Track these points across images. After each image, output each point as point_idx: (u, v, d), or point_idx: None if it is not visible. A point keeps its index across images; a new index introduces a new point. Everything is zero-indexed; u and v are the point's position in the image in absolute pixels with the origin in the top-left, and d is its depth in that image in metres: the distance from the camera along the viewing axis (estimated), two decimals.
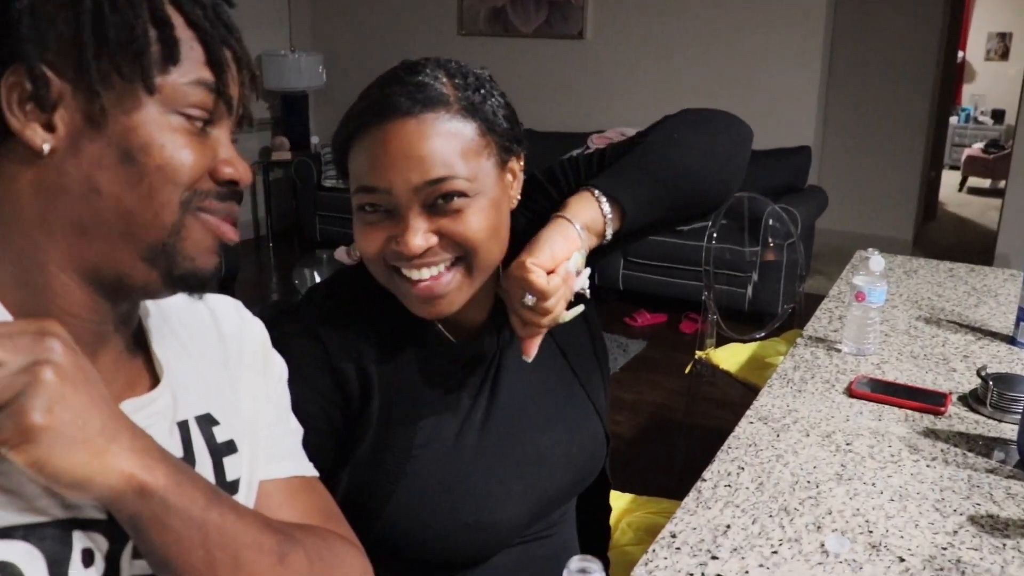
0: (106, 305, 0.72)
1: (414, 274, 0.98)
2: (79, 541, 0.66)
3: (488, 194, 0.99)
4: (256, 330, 0.91)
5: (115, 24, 0.67)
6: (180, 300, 0.85)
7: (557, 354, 1.19)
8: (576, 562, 0.75)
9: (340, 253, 4.58)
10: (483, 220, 0.98)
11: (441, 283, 0.99)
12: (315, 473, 0.91)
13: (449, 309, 1.01)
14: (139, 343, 0.79)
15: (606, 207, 1.06)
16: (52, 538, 0.65)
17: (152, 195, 0.69)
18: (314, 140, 6.22)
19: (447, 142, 0.96)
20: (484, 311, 1.12)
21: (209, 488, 0.70)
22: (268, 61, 6.01)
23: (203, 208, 0.72)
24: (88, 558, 0.67)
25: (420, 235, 0.96)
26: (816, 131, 5.31)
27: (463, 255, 0.99)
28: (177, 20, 0.70)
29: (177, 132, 0.70)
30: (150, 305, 0.81)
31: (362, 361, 1.04)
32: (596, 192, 1.06)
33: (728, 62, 5.31)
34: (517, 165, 1.07)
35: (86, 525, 0.67)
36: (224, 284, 5.00)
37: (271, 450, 0.87)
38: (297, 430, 0.92)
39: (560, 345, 1.19)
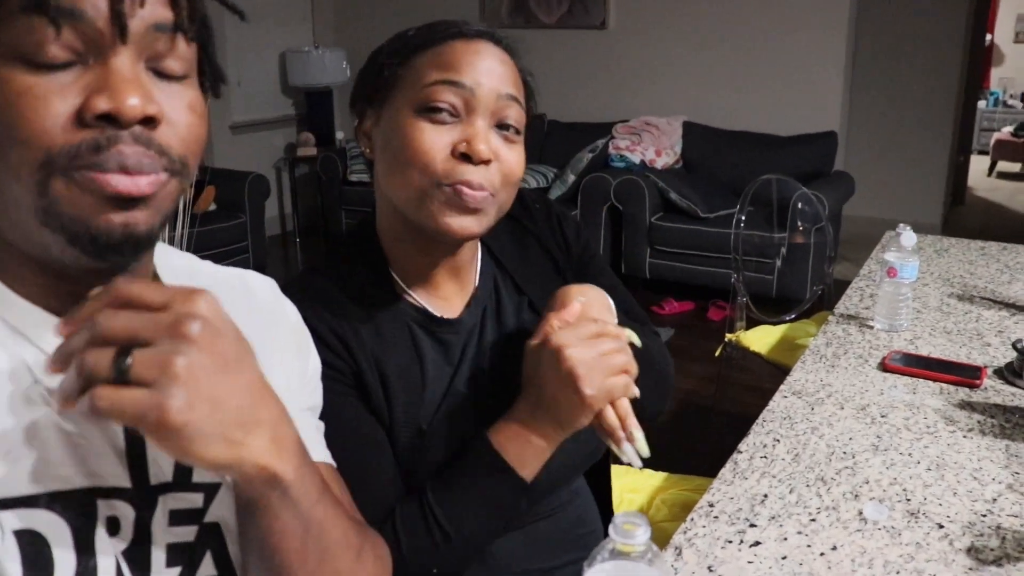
0: (83, 258, 0.64)
1: (475, 175, 0.98)
2: (103, 510, 0.66)
3: (522, 147, 1.06)
4: (290, 311, 0.90)
5: None
6: (216, 270, 0.87)
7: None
8: (621, 517, 0.75)
9: None
10: (523, 162, 1.05)
11: (483, 202, 0.99)
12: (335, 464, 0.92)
13: (479, 229, 1.01)
14: None
15: None
16: (76, 507, 0.64)
17: (4, 159, 0.61)
18: (339, 135, 6.25)
19: (517, 79, 1.04)
20: (468, 288, 1.13)
21: (320, 482, 0.70)
22: (292, 58, 6.05)
23: (74, 167, 0.60)
24: (114, 526, 0.67)
25: (488, 142, 0.99)
26: (842, 116, 5.27)
27: (503, 185, 1.02)
28: None
29: (12, 79, 0.60)
30: (177, 276, 0.79)
31: (347, 337, 1.03)
32: None
33: (752, 49, 5.29)
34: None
35: (110, 494, 0.66)
36: None
37: (303, 433, 0.88)
38: (321, 425, 0.92)
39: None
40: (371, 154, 1.08)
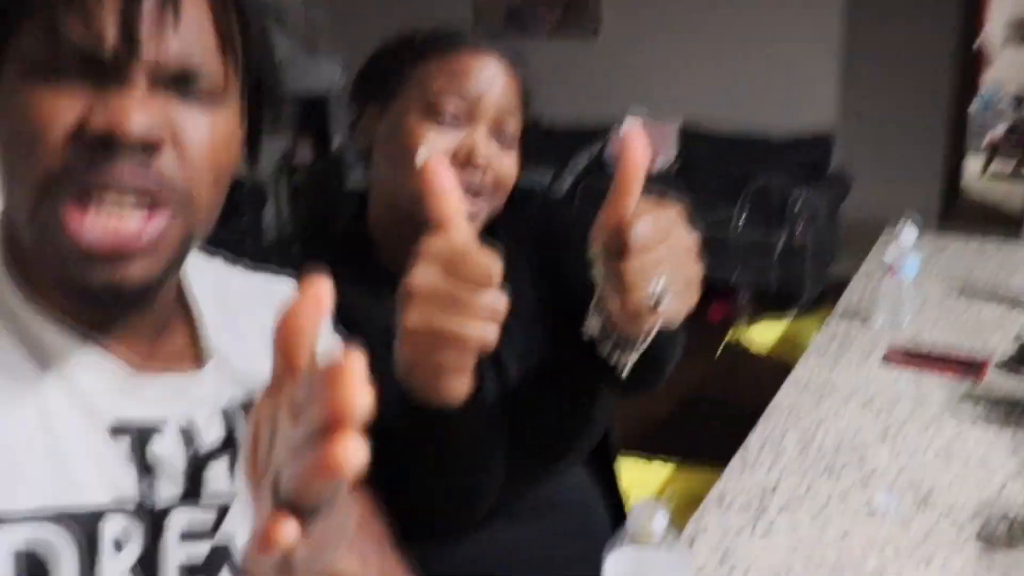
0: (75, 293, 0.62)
1: (471, 177, 1.02)
2: (110, 526, 0.63)
3: (516, 155, 1.09)
4: None
5: None
6: (246, 280, 0.84)
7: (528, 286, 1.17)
8: (640, 506, 0.77)
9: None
10: (515, 169, 1.08)
11: (472, 200, 1.02)
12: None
13: (471, 221, 1.02)
14: (185, 318, 0.75)
15: None
16: (83, 522, 0.62)
17: (15, 172, 0.59)
18: (335, 143, 6.26)
19: (516, 91, 1.07)
20: None
21: None
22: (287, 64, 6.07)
23: (63, 190, 0.57)
24: (120, 544, 0.64)
25: (487, 151, 1.03)
26: (837, 116, 5.30)
27: (495, 190, 1.05)
28: None
29: (25, 91, 0.58)
30: (200, 279, 0.77)
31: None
32: None
33: (745, 52, 5.31)
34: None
35: (118, 510, 0.64)
36: None
37: None
38: None
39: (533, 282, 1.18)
40: (367, 146, 1.11)
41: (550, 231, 1.22)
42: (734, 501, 1.14)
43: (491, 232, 1.20)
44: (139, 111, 0.57)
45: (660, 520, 0.76)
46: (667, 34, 5.51)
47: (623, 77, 5.66)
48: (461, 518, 0.99)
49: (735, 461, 1.24)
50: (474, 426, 0.90)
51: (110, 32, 0.57)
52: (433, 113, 1.03)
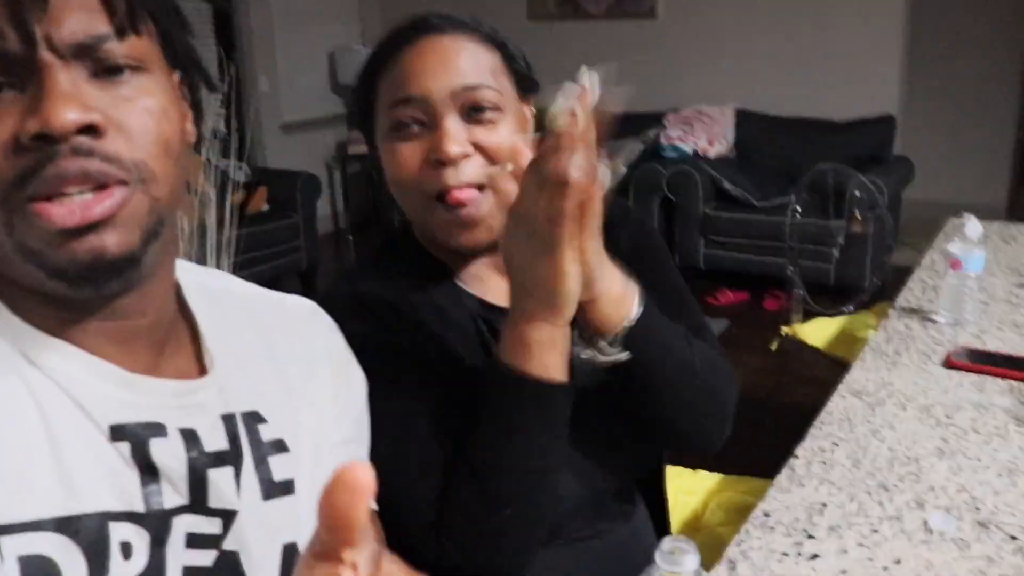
0: (71, 290, 0.64)
1: (452, 178, 0.96)
2: (116, 533, 0.63)
3: (515, 117, 1.02)
4: (329, 335, 0.88)
5: None
6: (248, 290, 0.85)
7: None
8: (668, 543, 0.72)
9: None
10: (512, 135, 0.99)
11: (478, 206, 0.98)
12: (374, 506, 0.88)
13: (489, 235, 0.99)
14: (190, 333, 0.76)
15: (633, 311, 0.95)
16: (88, 530, 0.62)
17: None
18: None
19: (478, 59, 0.99)
20: None
21: None
22: (341, 56, 6.08)
23: (20, 197, 0.59)
24: (127, 550, 0.64)
25: (457, 139, 0.96)
26: (900, 99, 5.13)
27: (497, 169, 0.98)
28: None
29: None
30: (205, 295, 0.78)
31: (407, 312, 1.02)
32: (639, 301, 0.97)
33: (804, 33, 5.17)
34: (529, 111, 1.07)
35: (123, 517, 0.64)
36: (305, 278, 5.08)
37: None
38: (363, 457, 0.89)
39: None
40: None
41: (640, 254, 1.14)
42: (780, 521, 1.08)
43: None
44: (63, 104, 0.59)
45: (690, 560, 0.71)
46: (726, 15, 5.39)
47: (681, 59, 5.56)
48: (530, 514, 0.95)
49: (782, 476, 1.18)
50: (564, 408, 0.93)
51: (6, 27, 0.59)
52: (396, 129, 0.99)
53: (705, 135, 5.08)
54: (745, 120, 5.25)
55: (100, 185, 0.61)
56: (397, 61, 0.99)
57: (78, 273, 0.62)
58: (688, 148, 5.03)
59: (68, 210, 0.60)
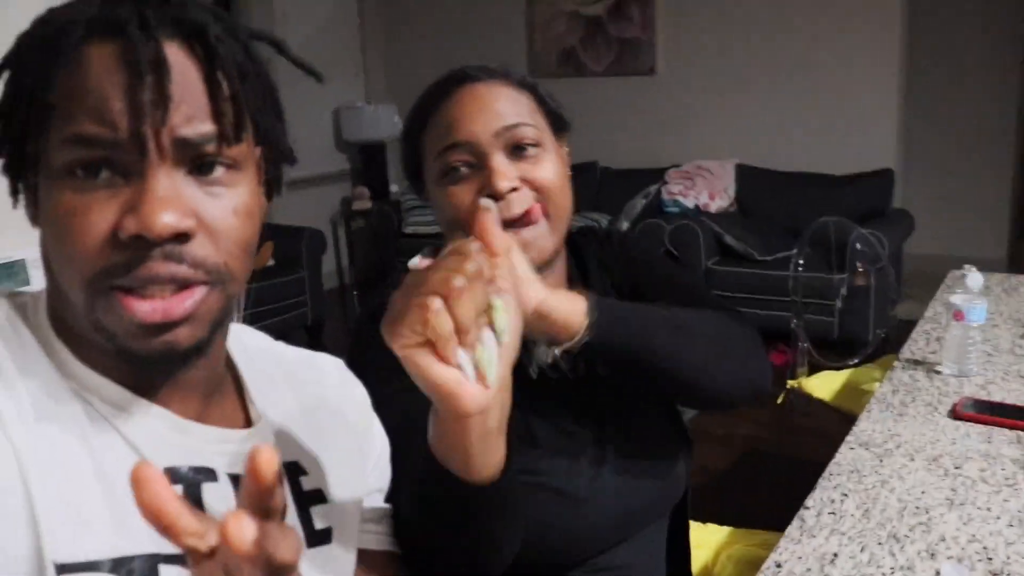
0: (132, 365, 0.68)
1: (505, 211, 1.02)
2: (168, 574, 0.65)
3: (554, 153, 1.10)
4: (357, 393, 0.91)
5: None
6: (287, 352, 0.89)
7: None
8: None
9: (415, 262, 4.60)
10: (557, 169, 1.09)
11: (530, 229, 1.05)
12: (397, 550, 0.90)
13: (541, 257, 1.05)
14: (236, 385, 0.80)
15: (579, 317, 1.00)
16: (139, 572, 0.63)
17: (61, 271, 0.65)
18: (393, 188, 6.31)
19: (514, 101, 1.08)
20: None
21: None
22: (345, 114, 6.17)
23: (108, 287, 0.63)
24: None
25: (508, 175, 1.03)
26: (898, 153, 5.19)
27: (542, 200, 1.06)
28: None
29: (60, 198, 0.63)
30: (244, 350, 0.81)
31: None
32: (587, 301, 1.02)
33: (802, 89, 5.25)
34: (565, 149, 1.15)
35: (173, 560, 0.65)
36: (311, 332, 5.09)
37: (367, 520, 0.87)
38: (387, 511, 0.91)
39: None
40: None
41: (632, 264, 1.25)
42: (792, 572, 1.08)
43: (583, 275, 1.23)
44: (164, 210, 0.61)
45: None
46: (725, 72, 5.47)
47: (681, 115, 5.63)
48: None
49: (792, 527, 1.18)
50: (505, 497, 0.86)
51: (120, 119, 0.61)
52: (447, 174, 1.06)
53: (706, 190, 5.13)
54: (746, 175, 5.30)
55: (185, 285, 0.64)
56: (440, 112, 1.07)
57: (148, 359, 0.65)
58: (690, 203, 5.08)
59: (152, 307, 0.63)
